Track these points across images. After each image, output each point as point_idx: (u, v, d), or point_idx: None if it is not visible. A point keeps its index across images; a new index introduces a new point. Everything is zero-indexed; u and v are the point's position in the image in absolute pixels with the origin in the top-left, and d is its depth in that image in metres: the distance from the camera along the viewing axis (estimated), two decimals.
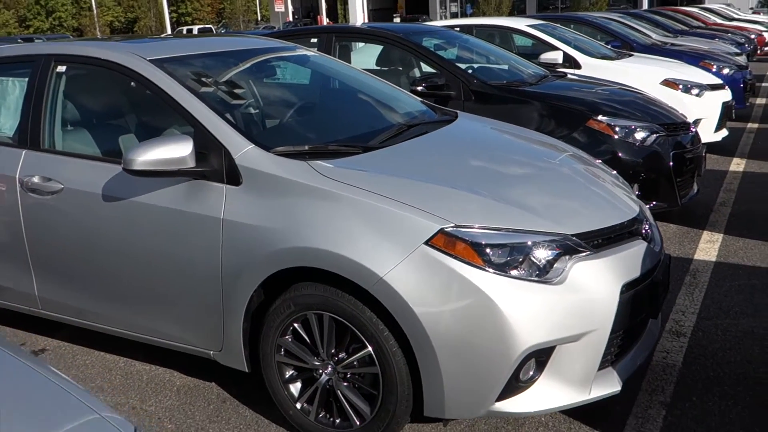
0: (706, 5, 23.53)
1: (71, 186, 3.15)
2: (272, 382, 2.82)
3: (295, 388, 2.81)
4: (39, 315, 3.53)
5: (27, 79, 3.44)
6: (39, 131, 3.33)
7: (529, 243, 2.44)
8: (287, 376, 2.80)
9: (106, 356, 3.63)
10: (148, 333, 3.15)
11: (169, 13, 47.38)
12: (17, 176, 3.31)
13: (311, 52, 4.23)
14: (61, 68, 3.38)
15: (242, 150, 2.79)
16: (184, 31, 42.55)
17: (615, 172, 3.54)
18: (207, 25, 50.83)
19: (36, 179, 3.25)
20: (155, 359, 3.53)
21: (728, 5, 24.77)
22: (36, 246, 3.32)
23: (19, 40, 28.24)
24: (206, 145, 2.82)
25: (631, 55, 8.59)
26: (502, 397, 2.42)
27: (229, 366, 2.94)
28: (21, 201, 3.30)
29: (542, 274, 2.42)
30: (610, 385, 2.56)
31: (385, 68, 6.37)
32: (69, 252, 3.22)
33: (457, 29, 7.54)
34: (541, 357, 2.42)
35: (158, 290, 2.99)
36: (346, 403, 2.68)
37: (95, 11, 59.70)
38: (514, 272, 2.39)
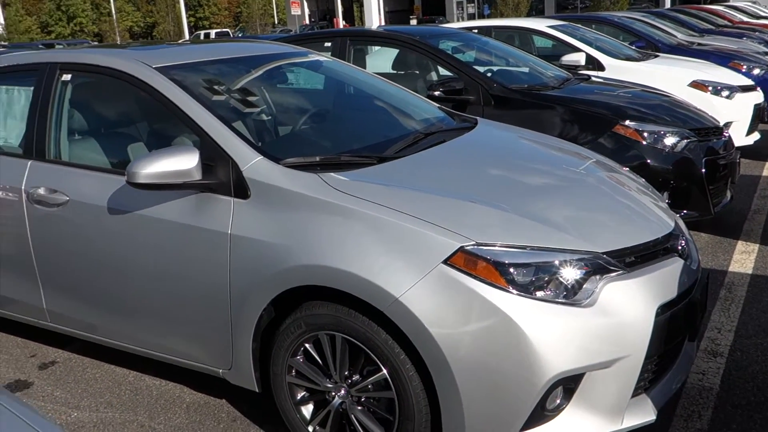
0: (732, 3, 23.09)
1: (76, 198, 3.05)
2: (283, 404, 2.70)
3: (307, 410, 2.69)
4: (48, 328, 3.45)
5: (32, 88, 3.34)
6: (44, 141, 3.24)
7: (556, 262, 2.28)
8: (299, 397, 2.68)
9: (116, 370, 3.54)
10: (157, 349, 3.05)
11: (187, 18, 47.68)
12: (23, 187, 3.22)
13: (324, 57, 4.09)
14: (67, 77, 3.28)
15: (250, 162, 2.66)
16: (202, 36, 42.82)
17: (643, 180, 3.37)
18: (224, 29, 51.04)
19: (42, 191, 3.15)
20: (165, 374, 3.43)
21: (754, 2, 24.31)
22: (43, 259, 3.23)
23: (40, 46, 28.50)
24: (213, 156, 2.70)
25: (657, 55, 8.36)
26: (527, 426, 2.26)
27: (239, 385, 2.82)
28: (27, 213, 3.21)
29: (570, 295, 2.25)
30: (644, 414, 2.38)
31: (401, 72, 6.23)
32: (75, 265, 3.12)
33: (475, 31, 7.39)
34: (569, 384, 2.26)
35: (165, 306, 2.88)
36: (360, 428, 2.54)
37: (114, 17, 60.19)
38: (539, 293, 2.23)
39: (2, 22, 51.59)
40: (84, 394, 3.34)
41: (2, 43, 41.09)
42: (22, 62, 3.59)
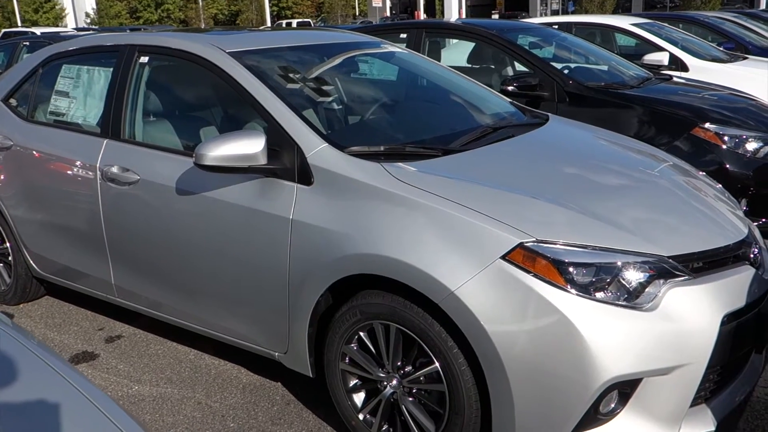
0: None
1: (147, 177, 3.14)
2: (335, 390, 2.72)
3: (359, 398, 2.70)
4: (115, 303, 3.57)
5: (111, 69, 3.45)
6: (120, 121, 3.35)
7: (619, 263, 2.21)
8: (351, 385, 2.70)
9: (178, 347, 3.64)
10: (217, 329, 3.11)
11: (270, 7, 48.52)
12: (98, 165, 3.34)
13: (397, 48, 4.08)
14: (144, 59, 3.37)
15: (315, 148, 2.68)
16: (284, 25, 43.48)
17: (720, 185, 3.23)
18: (306, 19, 51.71)
19: (115, 169, 3.26)
20: (224, 354, 3.51)
21: None
22: (113, 235, 3.34)
23: (128, 31, 29.52)
24: (279, 141, 2.73)
25: (746, 57, 8.01)
26: (579, 428, 2.20)
27: (294, 369, 2.85)
28: (101, 190, 3.33)
29: (632, 298, 2.18)
30: (702, 425, 2.29)
31: (477, 66, 6.16)
32: (143, 243, 3.21)
33: (555, 27, 7.23)
34: (625, 389, 2.19)
35: (227, 287, 2.94)
36: (410, 419, 2.54)
37: (200, 4, 61.80)
38: (599, 295, 2.17)
39: (94, 6, 53.64)
40: (146, 369, 3.45)
41: (93, 26, 42.77)
42: (103, 43, 3.72)
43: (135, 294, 3.40)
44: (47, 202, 3.64)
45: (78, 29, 26.99)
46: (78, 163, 3.43)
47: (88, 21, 51.82)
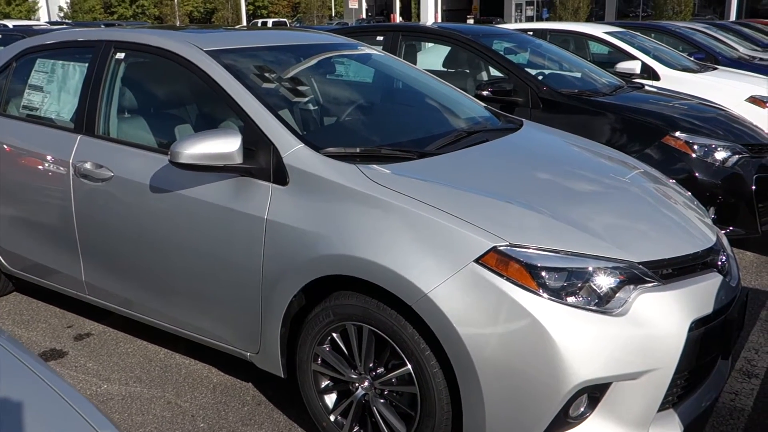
0: None
1: (121, 174, 3.11)
2: (307, 391, 2.72)
3: (330, 399, 2.70)
4: (86, 300, 3.53)
5: (87, 65, 3.42)
6: (95, 117, 3.31)
7: (590, 268, 2.25)
8: (323, 386, 2.69)
9: (148, 346, 3.61)
10: (188, 328, 3.09)
11: (246, 6, 48.26)
12: (71, 161, 3.30)
13: (374, 51, 4.09)
14: (120, 55, 3.34)
15: (291, 149, 2.68)
16: (259, 24, 43.26)
17: (689, 193, 3.29)
18: (281, 19, 51.51)
19: (88, 165, 3.22)
20: (195, 354, 3.49)
21: None
22: (85, 232, 3.30)
23: (102, 26, 29.17)
24: (255, 141, 2.73)
25: (716, 68, 8.15)
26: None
27: (265, 370, 2.85)
28: (73, 186, 3.29)
29: (602, 303, 2.21)
30: (669, 429, 2.33)
31: (452, 70, 6.19)
32: (115, 241, 3.18)
33: (530, 33, 7.30)
34: (594, 393, 2.22)
35: (199, 286, 2.92)
36: (381, 421, 2.55)
37: (176, 1, 61.24)
38: (570, 299, 2.20)
39: (68, 0, 52.90)
40: (115, 367, 3.41)
41: (66, 21, 42.18)
42: (78, 38, 3.68)
43: (106, 291, 3.37)
44: (18, 197, 3.59)
45: (51, 23, 26.60)
46: (50, 158, 3.38)
47: (62, 15, 51.08)
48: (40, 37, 3.83)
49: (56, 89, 3.60)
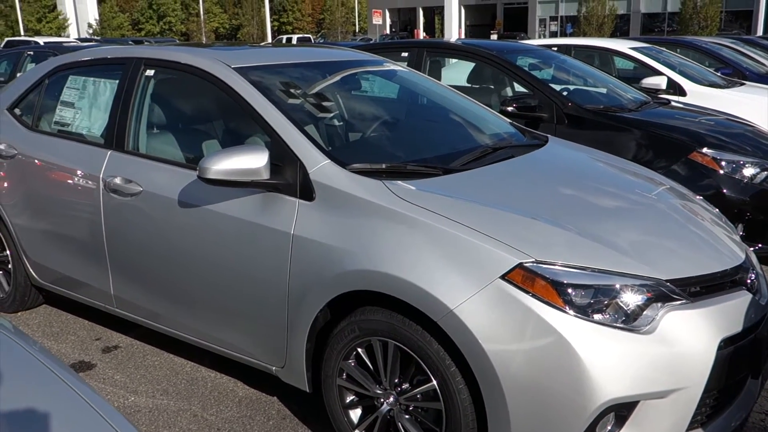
0: None
1: (150, 189, 3.15)
2: (332, 406, 2.73)
3: (355, 414, 2.71)
4: (114, 313, 3.57)
5: (117, 81, 3.48)
6: (124, 133, 3.37)
7: (617, 286, 2.23)
8: (348, 401, 2.70)
9: (175, 359, 3.64)
10: (215, 342, 3.12)
11: (271, 22, 48.78)
12: (101, 176, 3.36)
13: (399, 67, 4.12)
14: (150, 72, 3.41)
15: (318, 165, 2.70)
16: (284, 40, 43.71)
17: (717, 210, 3.26)
18: (306, 35, 52.00)
19: (118, 180, 3.28)
20: (221, 367, 3.51)
21: None
22: (114, 246, 3.35)
23: (130, 42, 29.67)
24: (282, 157, 2.76)
25: (743, 83, 8.07)
26: None
27: (291, 384, 2.86)
28: (103, 201, 3.34)
29: (629, 321, 2.20)
30: None
31: (476, 86, 6.21)
32: (144, 255, 3.23)
33: (554, 49, 7.29)
34: (621, 411, 2.20)
35: (225, 300, 2.95)
36: None
37: (202, 17, 62.15)
38: (597, 316, 2.19)
39: (97, 17, 53.89)
40: (142, 380, 3.45)
41: (95, 37, 42.92)
42: (109, 55, 3.76)
43: (134, 305, 3.41)
44: (49, 211, 3.66)
45: (81, 40, 27.08)
46: (81, 173, 3.45)
47: (91, 31, 52.03)
48: (72, 54, 3.92)
49: (87, 105, 3.67)
